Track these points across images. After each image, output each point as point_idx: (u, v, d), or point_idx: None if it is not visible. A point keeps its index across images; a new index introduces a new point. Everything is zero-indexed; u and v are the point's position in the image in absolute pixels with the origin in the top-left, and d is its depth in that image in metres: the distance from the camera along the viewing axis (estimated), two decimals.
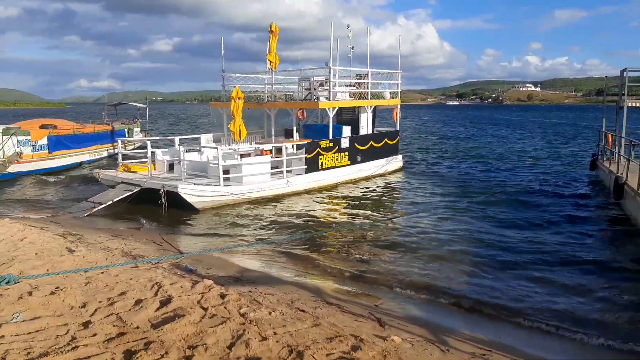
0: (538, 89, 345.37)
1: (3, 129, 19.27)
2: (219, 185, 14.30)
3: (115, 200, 14.04)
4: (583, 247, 10.74)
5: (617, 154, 16.37)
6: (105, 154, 24.94)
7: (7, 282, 5.22)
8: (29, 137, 19.84)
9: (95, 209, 13.75)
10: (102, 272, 7.61)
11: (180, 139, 17.74)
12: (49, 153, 20.93)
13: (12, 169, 18.90)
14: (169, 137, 19.11)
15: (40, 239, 9.70)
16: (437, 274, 8.98)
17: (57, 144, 21.43)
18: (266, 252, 10.21)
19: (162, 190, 13.50)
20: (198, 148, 17.44)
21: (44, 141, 20.66)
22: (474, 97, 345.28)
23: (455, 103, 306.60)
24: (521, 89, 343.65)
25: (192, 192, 13.74)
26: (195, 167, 15.99)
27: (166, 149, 17.39)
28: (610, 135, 19.03)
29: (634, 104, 17.84)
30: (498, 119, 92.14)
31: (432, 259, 9.75)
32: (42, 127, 21.49)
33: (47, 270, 7.48)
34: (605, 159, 19.17)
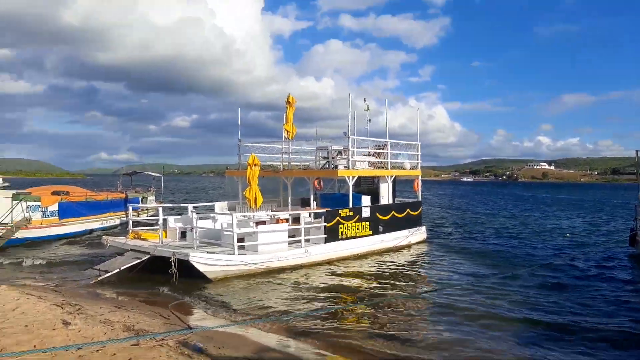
0: (552, 167, 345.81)
1: (13, 194, 18.88)
2: (233, 254, 13.39)
3: (122, 268, 13.17)
4: None
5: None
6: (117, 221, 24.32)
7: None
8: (39, 203, 19.38)
9: (101, 277, 12.85)
10: (98, 350, 6.60)
11: (193, 206, 17.09)
12: (59, 220, 20.36)
13: (20, 234, 18.25)
14: (182, 205, 18.48)
15: (35, 309, 8.77)
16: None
17: (68, 210, 20.92)
18: (284, 328, 9.08)
19: (172, 259, 12.61)
20: (212, 215, 16.72)
21: (54, 207, 20.16)
22: (487, 174, 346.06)
23: (469, 179, 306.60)
24: (535, 167, 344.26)
25: (204, 261, 12.83)
26: (209, 234, 15.17)
27: (179, 217, 16.70)
28: None
29: None
30: (518, 195, 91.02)
31: (462, 341, 8.54)
32: (54, 193, 21.11)
33: (35, 346, 6.50)
34: None
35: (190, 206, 16.79)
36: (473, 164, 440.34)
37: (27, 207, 18.71)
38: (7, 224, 17.72)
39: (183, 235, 15.74)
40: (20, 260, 15.90)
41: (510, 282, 13.28)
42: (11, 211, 18.05)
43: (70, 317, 8.56)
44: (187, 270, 12.64)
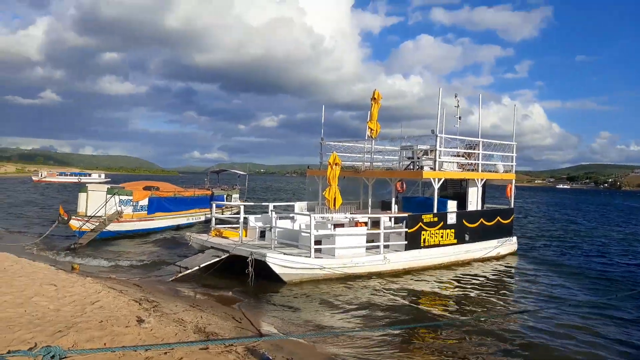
0: None
1: (108, 189, 19.97)
2: (310, 257, 12.99)
3: (202, 265, 13.29)
4: None
5: None
6: (202, 218, 25.06)
7: (52, 357, 4.19)
8: (131, 197, 20.35)
9: (181, 274, 13.05)
10: (166, 353, 6.39)
11: (273, 206, 17.01)
12: (148, 214, 21.27)
13: (112, 227, 19.26)
14: (262, 204, 18.48)
15: (114, 303, 8.87)
16: None
17: (157, 205, 21.81)
18: (357, 342, 8.46)
19: (249, 259, 12.49)
20: (291, 215, 16.51)
21: (145, 202, 21.09)
22: (587, 180, 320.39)
23: (566, 186, 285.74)
24: None
25: (280, 262, 12.56)
26: (287, 235, 14.94)
27: (259, 215, 16.66)
28: None
29: None
30: (626, 205, 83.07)
31: None
32: (145, 188, 22.12)
33: (105, 344, 6.42)
34: None
35: (270, 205, 16.73)
36: (571, 170, 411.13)
37: (119, 201, 19.71)
38: (100, 216, 18.74)
39: (262, 234, 15.68)
40: (110, 252, 16.71)
41: (608, 306, 11.69)
42: (105, 205, 19.08)
43: (145, 314, 8.55)
44: (265, 270, 12.45)
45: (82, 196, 19.64)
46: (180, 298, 10.89)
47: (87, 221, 18.32)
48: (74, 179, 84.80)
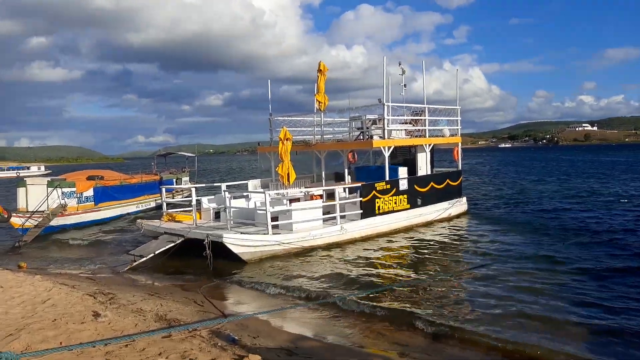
0: (595, 128, 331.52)
1: (48, 181, 18.96)
2: (267, 234, 12.93)
3: (156, 252, 12.94)
4: None
5: None
6: (153, 204, 24.34)
7: None
8: (74, 189, 19.42)
9: (136, 263, 12.68)
10: (127, 345, 6.22)
11: (226, 185, 16.72)
12: (95, 205, 20.43)
13: (56, 221, 18.37)
14: (215, 184, 18.10)
15: (67, 300, 8.52)
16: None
17: (104, 195, 20.97)
18: (322, 314, 8.55)
19: (206, 241, 12.26)
20: (245, 194, 16.29)
21: (90, 193, 20.20)
22: (526, 138, 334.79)
23: (507, 145, 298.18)
24: (577, 129, 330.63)
25: (238, 242, 12.43)
26: (243, 214, 14.81)
27: (212, 197, 16.35)
28: None
29: None
30: (561, 159, 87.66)
31: (519, 324, 7.82)
32: (89, 178, 21.17)
33: (61, 342, 6.16)
34: None
35: (223, 185, 16.45)
36: (511, 129, 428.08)
37: (62, 193, 18.77)
38: (43, 211, 17.81)
39: (217, 215, 15.44)
40: (57, 247, 15.99)
41: (557, 255, 12.36)
42: (47, 199, 18.13)
43: (101, 307, 8.28)
44: (222, 252, 12.29)
45: (21, 191, 18.56)
46: (137, 287, 10.60)
47: (29, 217, 17.36)
48: (12, 174, 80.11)
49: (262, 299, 9.63)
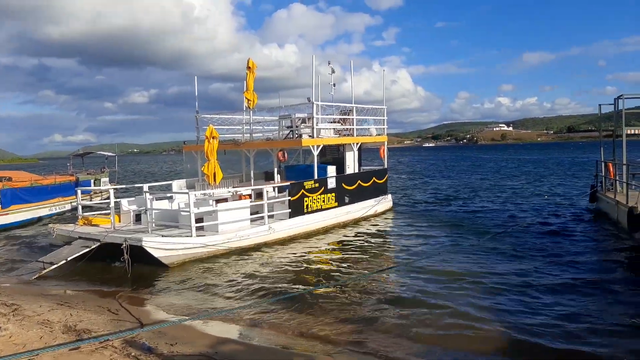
0: (511, 128, 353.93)
1: None
2: (191, 236, 12.44)
3: (69, 259, 12.02)
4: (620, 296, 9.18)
5: (624, 183, 15.18)
6: (68, 207, 22.76)
7: None
8: None
9: (46, 271, 11.70)
10: None
11: (148, 186, 15.95)
12: (2, 208, 18.78)
13: None
14: (136, 185, 17.22)
15: None
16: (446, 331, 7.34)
17: (12, 197, 19.32)
18: (247, 316, 8.31)
19: (124, 245, 11.55)
20: (169, 195, 15.62)
21: None
22: (449, 138, 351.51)
23: (431, 145, 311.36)
24: (494, 129, 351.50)
25: (159, 246, 11.83)
26: (166, 216, 14.15)
27: (133, 198, 15.53)
28: (611, 165, 17.93)
29: (633, 131, 16.88)
30: (477, 157, 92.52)
31: (440, 315, 8.05)
32: None
33: None
34: (605, 190, 18.02)
35: (145, 186, 15.67)
36: (435, 129, 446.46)
37: None
38: None
39: (138, 218, 14.66)
40: None
41: (478, 248, 12.96)
42: None
43: (3, 320, 7.55)
44: (143, 256, 11.65)
45: None
46: (46, 297, 9.78)
47: None
48: None
49: (184, 304, 9.20)
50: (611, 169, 17.81)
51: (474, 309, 8.24)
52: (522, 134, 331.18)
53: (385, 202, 20.08)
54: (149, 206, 13.33)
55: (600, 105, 18.98)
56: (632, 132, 16.78)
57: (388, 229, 17.11)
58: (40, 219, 20.78)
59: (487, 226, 16.58)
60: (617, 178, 16.90)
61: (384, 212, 19.74)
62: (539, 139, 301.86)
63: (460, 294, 9.12)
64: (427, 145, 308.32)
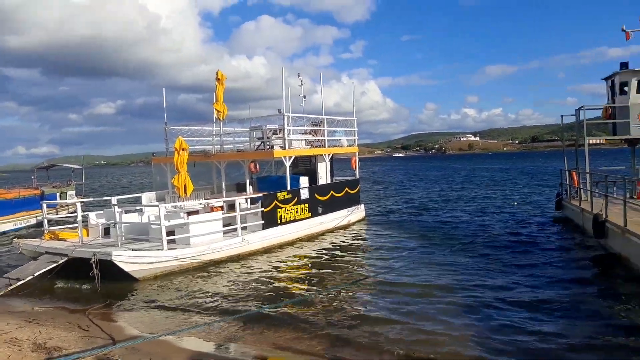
0: (477, 138, 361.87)
1: None
2: (162, 249, 12.26)
3: (35, 274, 11.66)
4: (588, 297, 9.50)
5: (589, 191, 15.74)
6: (33, 221, 22.08)
7: None
8: None
9: (12, 287, 11.31)
10: None
11: (117, 199, 15.65)
12: None
13: None
14: (104, 198, 16.88)
15: None
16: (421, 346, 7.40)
17: None
18: (222, 331, 8.24)
19: (93, 260, 11.30)
20: (138, 208, 15.37)
21: None
22: (418, 148, 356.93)
23: (401, 155, 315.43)
24: (462, 139, 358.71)
25: (129, 260, 11.62)
26: (135, 229, 13.91)
27: (101, 211, 15.20)
28: (575, 173, 18.57)
29: (594, 141, 17.58)
30: (447, 167, 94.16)
31: (415, 329, 8.08)
32: None
33: None
34: (570, 197, 18.64)
35: (113, 199, 15.37)
36: (404, 139, 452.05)
37: None
38: None
39: (107, 232, 14.37)
40: None
41: (448, 259, 13.13)
42: None
43: None
44: (112, 271, 11.41)
45: None
46: (13, 314, 9.47)
47: None
48: None
49: (156, 319, 9.06)
50: (575, 178, 18.45)
51: (443, 325, 8.16)
52: (488, 144, 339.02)
53: (358, 212, 20.25)
54: (117, 219, 13.08)
55: (562, 116, 19.70)
56: (594, 141, 17.44)
57: (361, 239, 17.22)
58: (4, 233, 20.09)
59: (457, 236, 16.79)
60: (581, 186, 17.52)
61: (357, 222, 19.90)
62: (505, 149, 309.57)
63: (430, 308, 9.05)
64: (397, 155, 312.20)
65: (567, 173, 19.39)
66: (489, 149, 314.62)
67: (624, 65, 16.93)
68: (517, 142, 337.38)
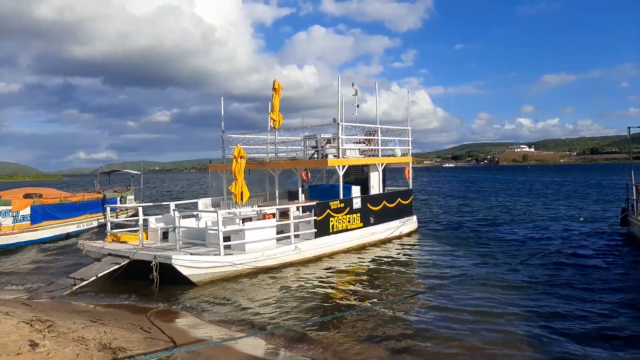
0: (532, 149, 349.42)
1: None
2: (219, 255, 12.50)
3: (99, 275, 12.20)
4: None
5: None
6: (95, 223, 23.17)
7: None
8: (9, 207, 18.20)
9: (77, 287, 11.87)
10: None
11: (176, 204, 16.14)
12: (31, 224, 19.18)
13: None
14: (163, 203, 17.45)
15: (0, 328, 7.79)
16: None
17: (42, 214, 19.75)
18: (280, 337, 8.25)
19: (153, 262, 11.69)
20: (195, 213, 15.79)
21: (26, 211, 18.98)
22: (469, 158, 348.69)
23: (451, 165, 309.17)
24: (516, 150, 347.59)
25: (188, 264, 11.92)
26: (193, 234, 14.26)
27: (160, 216, 15.73)
28: None
29: None
30: (501, 179, 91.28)
31: (471, 348, 7.77)
32: (26, 196, 19.90)
33: None
34: (637, 213, 17.58)
35: (172, 204, 15.86)
36: (455, 149, 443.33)
37: None
38: None
39: (165, 236, 14.85)
40: None
41: (505, 275, 12.60)
42: None
43: (39, 336, 7.62)
44: (171, 274, 11.74)
45: None
46: (79, 314, 9.88)
47: None
48: None
49: (215, 323, 9.21)
50: None
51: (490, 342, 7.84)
52: (543, 155, 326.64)
53: (410, 224, 19.92)
54: (176, 224, 13.47)
55: (629, 127, 18.74)
56: None
57: (414, 251, 16.90)
58: (68, 235, 21.17)
59: (515, 253, 16.02)
60: None
61: (409, 234, 19.58)
62: (561, 160, 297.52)
63: (483, 330, 8.58)
64: (447, 165, 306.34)
65: (633, 187, 18.34)
66: (545, 160, 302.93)
67: None
68: (574, 153, 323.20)
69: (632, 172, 19.15)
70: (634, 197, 18.17)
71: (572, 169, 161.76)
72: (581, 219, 24.40)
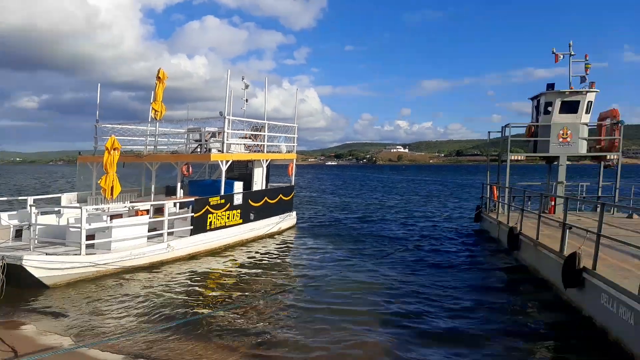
0: (407, 150, 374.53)
1: None
2: (80, 254, 11.38)
3: None
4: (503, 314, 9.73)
5: (507, 205, 16.55)
6: None
7: None
8: None
9: None
10: None
11: (34, 200, 14.39)
12: None
13: None
14: (19, 198, 15.48)
15: None
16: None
17: None
18: (136, 342, 7.67)
19: (0, 264, 10.26)
20: (56, 209, 14.27)
21: None
22: (350, 157, 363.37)
23: (334, 163, 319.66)
24: (392, 150, 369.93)
25: (41, 265, 10.66)
26: (52, 232, 12.83)
27: (14, 212, 13.93)
28: (495, 188, 19.51)
29: (516, 157, 18.50)
30: (381, 177, 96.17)
31: (341, 338, 8.01)
32: None
33: None
34: (489, 210, 19.54)
35: (29, 199, 14.10)
36: (338, 148, 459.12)
37: None
38: None
39: (19, 234, 13.19)
40: None
41: (366, 272, 12.99)
42: None
43: None
44: (22, 276, 10.41)
45: None
46: None
47: None
48: None
49: (66, 330, 8.28)
50: (495, 192, 19.40)
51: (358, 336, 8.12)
52: (416, 156, 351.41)
53: (289, 219, 20.07)
54: (32, 221, 12.01)
55: (489, 132, 20.79)
56: (515, 157, 18.36)
57: (290, 247, 17.00)
58: None
59: (383, 246, 16.92)
60: (500, 200, 18.42)
61: (287, 229, 19.72)
62: (431, 161, 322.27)
63: (352, 321, 8.85)
64: (329, 163, 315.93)
65: (488, 187, 20.34)
66: (417, 160, 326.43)
67: (550, 86, 17.93)
68: (442, 155, 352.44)
69: (488, 173, 21.29)
70: (487, 196, 20.19)
71: (440, 169, 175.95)
72: (443, 216, 26.71)
